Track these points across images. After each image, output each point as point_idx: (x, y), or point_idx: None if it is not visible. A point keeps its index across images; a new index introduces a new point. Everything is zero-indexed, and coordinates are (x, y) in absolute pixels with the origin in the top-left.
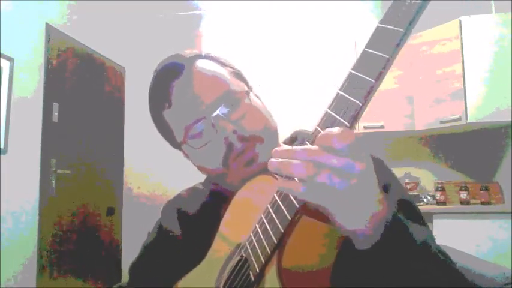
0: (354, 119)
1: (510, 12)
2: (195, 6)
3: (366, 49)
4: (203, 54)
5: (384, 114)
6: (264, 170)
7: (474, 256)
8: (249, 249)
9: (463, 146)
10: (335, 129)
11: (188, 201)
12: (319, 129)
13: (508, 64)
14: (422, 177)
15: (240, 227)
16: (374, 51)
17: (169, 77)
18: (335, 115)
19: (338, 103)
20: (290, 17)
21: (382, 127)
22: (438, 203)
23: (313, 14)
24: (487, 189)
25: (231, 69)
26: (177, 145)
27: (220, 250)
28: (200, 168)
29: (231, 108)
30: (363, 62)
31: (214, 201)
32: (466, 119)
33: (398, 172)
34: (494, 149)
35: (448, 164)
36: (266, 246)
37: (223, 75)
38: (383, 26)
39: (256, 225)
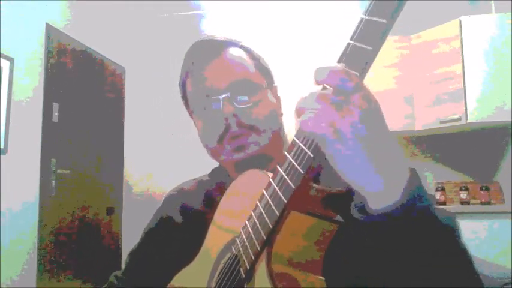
0: (365, 67)
1: (510, 12)
2: (195, 6)
3: (374, 0)
4: (238, 43)
5: (384, 114)
6: (253, 162)
7: (474, 256)
8: (240, 246)
9: (463, 146)
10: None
11: (191, 192)
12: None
13: (508, 64)
14: (422, 177)
15: (233, 216)
16: None
17: (202, 52)
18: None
19: (351, 53)
20: (291, 17)
21: None
22: (438, 203)
23: (314, 14)
24: (487, 189)
25: (259, 64)
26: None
27: (215, 235)
28: (205, 146)
29: (242, 94)
30: (375, 7)
31: (215, 192)
32: (466, 119)
33: None
34: (494, 149)
35: (448, 164)
36: (255, 242)
37: (247, 66)
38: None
39: (246, 222)
